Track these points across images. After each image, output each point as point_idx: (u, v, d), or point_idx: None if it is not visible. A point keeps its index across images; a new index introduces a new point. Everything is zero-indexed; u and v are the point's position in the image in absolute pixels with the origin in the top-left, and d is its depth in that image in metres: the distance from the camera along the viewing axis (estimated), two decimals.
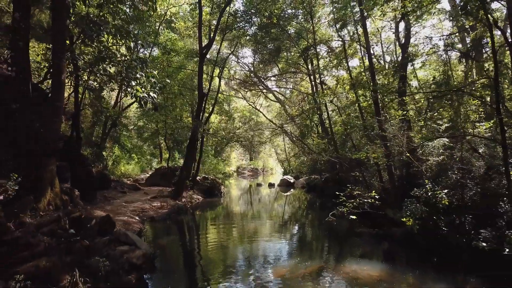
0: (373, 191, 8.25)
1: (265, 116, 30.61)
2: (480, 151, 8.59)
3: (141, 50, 15.59)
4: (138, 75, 8.10)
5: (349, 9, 13.02)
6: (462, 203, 7.87)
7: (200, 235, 9.91)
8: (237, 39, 19.13)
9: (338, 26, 14.97)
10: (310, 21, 16.12)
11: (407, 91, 13.08)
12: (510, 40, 7.08)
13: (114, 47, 8.41)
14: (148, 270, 6.01)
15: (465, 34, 14.65)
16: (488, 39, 9.79)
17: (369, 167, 11.93)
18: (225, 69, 20.01)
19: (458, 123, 8.57)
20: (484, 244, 6.09)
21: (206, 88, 18.41)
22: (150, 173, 21.04)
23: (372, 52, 18.56)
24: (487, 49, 10.98)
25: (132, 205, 12.09)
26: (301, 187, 22.73)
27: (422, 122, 8.56)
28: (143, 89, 8.13)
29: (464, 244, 6.98)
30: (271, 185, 24.69)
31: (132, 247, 6.02)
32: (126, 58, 8.31)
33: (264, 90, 27.83)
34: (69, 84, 10.44)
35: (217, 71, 18.53)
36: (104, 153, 17.01)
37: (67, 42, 6.82)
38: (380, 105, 10.69)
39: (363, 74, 13.96)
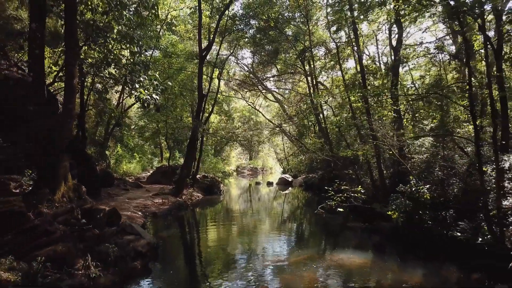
0: (359, 186, 8.79)
1: (264, 116, 31.15)
2: (469, 149, 9.14)
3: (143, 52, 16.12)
4: (141, 78, 8.63)
5: (343, 14, 13.54)
6: (445, 198, 8.42)
7: (200, 229, 10.46)
8: (236, 41, 19.66)
9: (333, 29, 15.49)
10: (307, 25, 16.63)
11: (399, 92, 13.69)
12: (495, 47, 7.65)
13: (118, 51, 8.94)
14: (152, 258, 6.56)
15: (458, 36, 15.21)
16: (475, 43, 10.37)
17: (362, 165, 12.49)
18: (224, 70, 20.54)
19: (447, 123, 9.11)
20: (459, 234, 6.65)
21: (206, 89, 18.94)
22: (151, 171, 21.59)
23: (368, 53, 19.11)
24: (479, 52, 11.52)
25: (134, 201, 12.62)
26: (299, 186, 23.25)
27: (405, 122, 9.10)
28: (146, 91, 8.67)
29: (445, 236, 7.52)
30: (269, 184, 25.24)
31: (137, 237, 6.58)
32: (130, 62, 8.83)
33: (263, 90, 28.37)
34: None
35: (216, 72, 19.06)
36: (107, 152, 17.56)
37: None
38: (374, 105, 11.27)
39: (358, 75, 14.52)
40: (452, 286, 5.40)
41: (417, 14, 10.23)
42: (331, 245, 8.30)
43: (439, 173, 8.78)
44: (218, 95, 20.21)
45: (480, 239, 6.52)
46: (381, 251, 7.69)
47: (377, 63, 18.70)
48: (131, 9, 9.09)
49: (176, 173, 17.28)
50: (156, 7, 8.71)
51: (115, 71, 8.51)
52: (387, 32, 15.89)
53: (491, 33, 11.78)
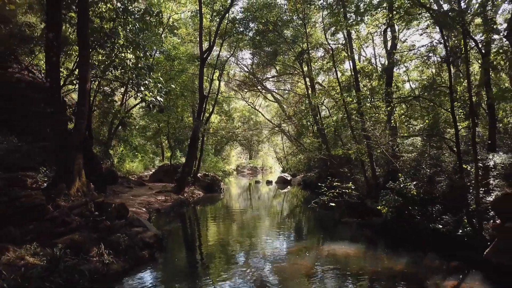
0: (350, 183, 9.33)
1: (263, 116, 31.68)
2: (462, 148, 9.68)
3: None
4: (146, 81, 9.18)
5: (339, 17, 14.06)
6: (432, 194, 8.96)
7: (202, 224, 11.02)
8: (235, 43, 20.19)
9: (329, 32, 16.01)
10: (304, 28, 17.15)
11: (394, 93, 14.23)
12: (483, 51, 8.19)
13: (125, 55, 9.49)
14: (158, 248, 7.11)
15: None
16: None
17: (357, 164, 13.02)
18: (224, 70, 21.07)
19: (438, 124, 9.62)
20: (440, 226, 7.20)
21: (207, 90, 19.47)
22: (153, 170, 22.16)
23: (365, 54, 19.58)
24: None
25: (138, 198, 13.17)
26: (298, 184, 23.78)
27: (393, 122, 9.64)
28: (151, 93, 9.22)
29: (430, 230, 8.07)
30: (269, 183, 25.80)
31: (144, 229, 7.13)
32: (135, 66, 9.38)
33: (263, 91, 28.90)
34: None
35: (217, 73, 19.59)
36: (110, 151, 18.10)
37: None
38: (368, 104, 11.82)
39: (352, 78, 15.04)
40: (431, 273, 5.93)
41: (407, 21, 10.80)
42: (325, 238, 8.85)
43: (428, 170, 9.32)
44: (219, 96, 20.74)
45: (460, 231, 7.06)
46: (371, 243, 8.22)
47: (374, 64, 19.25)
48: (136, 16, 9.64)
49: (178, 171, 17.83)
50: (160, 15, 9.25)
51: (122, 74, 9.05)
52: (383, 35, 16.50)
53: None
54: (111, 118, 17.57)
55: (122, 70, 8.88)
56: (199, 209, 13.94)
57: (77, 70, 10.56)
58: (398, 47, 16.82)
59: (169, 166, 19.70)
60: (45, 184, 7.18)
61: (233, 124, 31.84)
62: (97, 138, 16.89)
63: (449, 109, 7.06)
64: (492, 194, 7.93)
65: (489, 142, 10.68)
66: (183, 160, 23.12)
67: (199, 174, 18.90)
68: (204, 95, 15.73)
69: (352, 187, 9.34)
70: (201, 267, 6.69)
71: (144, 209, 11.53)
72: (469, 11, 8.20)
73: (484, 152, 10.01)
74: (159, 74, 11.46)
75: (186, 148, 25.71)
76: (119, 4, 8.81)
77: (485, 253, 5.92)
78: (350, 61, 11.91)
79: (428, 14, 10.11)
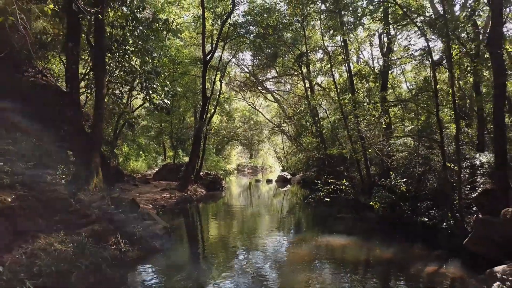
0: (344, 180, 9.96)
1: (264, 116, 32.28)
2: (450, 148, 10.30)
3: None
4: (154, 85, 9.82)
5: (336, 22, 14.66)
6: (422, 191, 9.60)
7: (206, 219, 11.67)
8: (237, 46, 20.80)
9: (327, 36, 16.63)
10: (303, 31, 17.75)
11: (389, 94, 14.87)
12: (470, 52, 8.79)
13: (134, 60, 10.12)
14: (167, 240, 7.74)
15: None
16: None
17: (353, 162, 13.66)
18: (226, 72, 21.68)
19: (430, 125, 10.24)
20: (426, 219, 7.84)
21: (209, 91, 20.08)
22: (156, 169, 22.79)
23: (363, 56, 20.24)
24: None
25: (145, 195, 13.81)
26: (297, 183, 24.40)
27: (383, 124, 10.28)
28: (158, 96, 9.86)
29: (418, 223, 8.71)
30: (269, 181, 26.42)
31: (154, 222, 7.78)
32: (144, 70, 10.02)
33: (263, 91, 29.50)
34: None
35: (218, 75, 20.21)
36: (116, 150, 18.74)
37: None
38: (365, 105, 12.44)
39: (347, 81, 15.64)
40: (415, 260, 6.57)
41: (400, 27, 11.45)
42: (321, 231, 9.49)
43: (419, 169, 9.95)
44: (220, 97, 21.35)
45: (444, 224, 7.70)
46: (364, 235, 8.84)
47: (372, 66, 19.86)
48: (145, 24, 10.26)
49: (181, 170, 18.46)
50: (167, 22, 9.87)
51: (131, 79, 9.68)
52: (379, 38, 17.11)
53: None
54: (117, 119, 18.20)
55: (132, 75, 9.51)
56: (202, 206, 14.59)
57: (88, 74, 11.23)
58: (395, 48, 17.48)
59: (172, 165, 20.35)
60: (63, 180, 7.82)
61: (234, 124, 32.45)
62: (103, 138, 17.53)
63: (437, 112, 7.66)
64: (477, 190, 8.58)
65: (477, 142, 11.34)
66: (186, 159, 23.79)
67: (201, 173, 19.53)
68: (206, 97, 16.36)
69: (346, 184, 9.97)
70: (207, 256, 7.34)
71: (150, 205, 12.16)
72: (454, 22, 8.78)
73: (473, 151, 10.67)
74: (163, 76, 12.05)
75: (188, 148, 26.41)
76: (128, 12, 9.42)
77: (464, 242, 6.55)
78: (346, 66, 12.51)
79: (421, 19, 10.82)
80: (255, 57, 24.61)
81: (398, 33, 17.32)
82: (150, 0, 16.68)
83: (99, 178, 7.53)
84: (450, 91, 7.63)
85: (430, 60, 7.88)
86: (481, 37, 9.55)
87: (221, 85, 20.40)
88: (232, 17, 17.71)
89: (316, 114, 16.74)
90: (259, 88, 28.69)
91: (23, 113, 9.34)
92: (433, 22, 8.75)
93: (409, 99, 9.27)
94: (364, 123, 10.89)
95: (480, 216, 7.36)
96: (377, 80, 14.92)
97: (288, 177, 26.30)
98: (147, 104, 14.58)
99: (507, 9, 14.88)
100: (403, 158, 10.30)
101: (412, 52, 12.51)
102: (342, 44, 13.43)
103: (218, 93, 20.34)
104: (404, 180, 8.95)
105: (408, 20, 8.56)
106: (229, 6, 17.18)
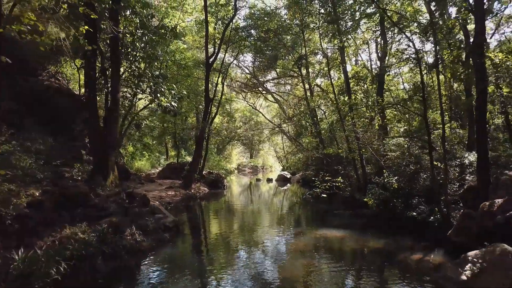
0: (340, 177, 10.60)
1: (264, 116, 32.92)
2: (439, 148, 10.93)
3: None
4: (162, 89, 10.46)
5: (334, 27, 15.30)
6: (413, 188, 10.23)
7: (209, 215, 12.32)
8: (238, 48, 21.45)
9: (325, 40, 17.27)
10: (302, 35, 18.37)
11: (385, 96, 15.51)
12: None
13: (143, 65, 10.76)
14: (176, 232, 8.40)
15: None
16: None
17: (351, 161, 14.29)
18: (227, 74, 22.30)
19: (423, 127, 10.86)
20: (415, 214, 8.48)
21: (211, 92, 20.72)
22: (159, 168, 23.44)
23: (361, 58, 20.87)
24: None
25: (151, 193, 14.43)
26: (297, 182, 25.04)
27: (377, 125, 10.93)
28: (166, 99, 10.50)
29: (409, 218, 9.33)
30: (269, 180, 27.06)
31: (165, 216, 8.43)
32: (152, 75, 10.66)
33: (264, 92, 30.14)
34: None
35: (220, 77, 20.84)
36: (121, 150, 19.38)
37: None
38: (362, 108, 13.07)
39: (351, 81, 16.25)
40: (404, 250, 7.20)
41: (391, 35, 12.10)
42: (318, 225, 10.14)
43: (411, 167, 10.58)
44: (222, 98, 21.99)
45: (432, 218, 8.33)
46: (358, 229, 9.47)
47: (370, 67, 20.49)
48: (152, 30, 10.90)
49: (184, 169, 19.10)
50: (174, 30, 10.52)
51: (141, 83, 10.33)
52: (375, 42, 17.78)
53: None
54: (122, 119, 18.84)
55: (141, 79, 10.15)
56: (206, 203, 15.24)
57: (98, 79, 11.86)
58: (393, 50, 18.11)
59: (176, 164, 21.00)
60: (79, 177, 8.47)
61: (235, 124, 33.10)
62: None
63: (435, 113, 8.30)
64: (465, 187, 9.22)
65: (467, 142, 11.99)
66: (188, 158, 24.44)
67: (204, 172, 20.18)
68: (209, 98, 17.00)
69: (341, 181, 10.60)
70: (212, 247, 7.98)
71: (157, 202, 12.79)
72: (444, 28, 9.41)
73: (463, 151, 11.31)
74: (170, 79, 12.67)
75: (190, 147, 27.09)
76: (137, 20, 10.07)
77: (448, 234, 7.18)
78: (343, 71, 13.15)
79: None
80: (256, 59, 25.27)
81: (393, 37, 18.01)
82: (154, 4, 17.31)
83: (114, 175, 8.18)
84: (438, 95, 8.25)
85: (419, 67, 8.51)
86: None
87: (223, 87, 21.03)
88: (234, 21, 18.34)
89: (315, 115, 17.36)
90: (260, 89, 29.33)
91: (39, 114, 10.00)
92: (424, 30, 9.41)
93: (399, 103, 9.90)
94: (360, 125, 11.51)
95: (465, 210, 8.00)
96: (374, 81, 15.57)
97: (288, 176, 26.93)
98: (152, 105, 15.26)
99: (500, 15, 15.67)
100: (396, 158, 10.93)
101: (407, 56, 13.16)
102: (340, 48, 14.04)
103: (220, 95, 20.97)
104: (396, 178, 9.58)
105: (398, 30, 9.13)
106: (231, 11, 17.82)
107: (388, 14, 13.75)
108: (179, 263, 6.59)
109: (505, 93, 8.46)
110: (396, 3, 14.78)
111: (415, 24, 11.76)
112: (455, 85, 14.52)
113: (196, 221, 11.16)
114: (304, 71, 21.45)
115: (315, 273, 6.05)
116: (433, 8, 10.47)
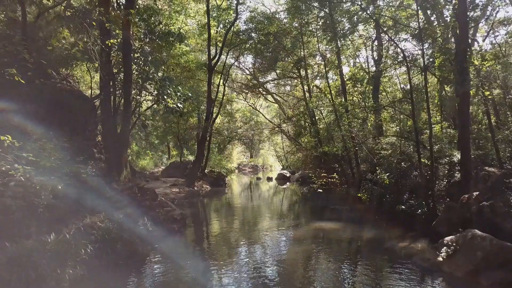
0: (335, 174, 11.30)
1: (264, 116, 33.58)
2: (437, 147, 11.61)
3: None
4: (169, 91, 11.15)
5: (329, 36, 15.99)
6: (403, 184, 10.92)
7: (212, 210, 13.02)
8: (239, 51, 22.14)
9: (323, 42, 17.97)
10: (301, 39, 19.06)
11: (381, 97, 16.22)
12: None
13: (151, 70, 11.45)
14: (183, 224, 9.09)
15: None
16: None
17: (348, 160, 14.99)
18: (229, 75, 22.99)
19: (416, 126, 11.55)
20: (403, 207, 9.17)
21: (213, 93, 21.40)
22: (161, 167, 24.16)
23: (358, 60, 21.59)
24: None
25: (156, 190, 15.08)
26: (296, 181, 25.73)
27: (369, 125, 11.62)
28: (172, 101, 11.19)
29: (399, 211, 10.02)
30: (269, 179, 27.74)
31: (172, 209, 9.12)
32: (160, 78, 11.34)
33: (264, 92, 30.80)
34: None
35: (222, 78, 21.52)
36: None
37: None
38: (357, 110, 13.78)
39: (348, 82, 16.92)
40: (392, 239, 7.89)
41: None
42: (314, 218, 10.84)
43: (403, 165, 11.27)
44: (223, 98, 22.67)
45: (419, 211, 9.02)
46: (352, 222, 10.16)
47: (367, 67, 21.13)
48: (158, 36, 11.58)
49: (187, 168, 19.81)
50: (181, 36, 11.21)
51: (150, 85, 11.02)
52: (371, 45, 18.46)
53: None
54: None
55: (150, 82, 10.85)
56: (209, 199, 15.95)
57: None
58: (390, 52, 18.77)
59: (179, 163, 21.72)
60: (93, 173, 9.16)
61: (236, 124, 33.77)
62: None
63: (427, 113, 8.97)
64: (450, 183, 9.92)
65: (458, 141, 12.67)
66: (190, 157, 25.15)
67: (206, 170, 20.88)
68: (212, 99, 17.69)
69: (336, 177, 11.30)
70: (216, 236, 8.68)
71: (163, 199, 13.49)
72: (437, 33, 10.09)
73: (453, 150, 11.99)
74: (174, 79, 13.36)
75: (192, 147, 27.76)
76: (147, 28, 10.76)
77: (432, 224, 7.87)
78: (339, 73, 13.82)
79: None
80: (256, 61, 25.95)
81: (389, 41, 18.69)
82: (159, 9, 18.00)
83: (127, 171, 8.88)
84: (425, 97, 8.94)
85: (407, 72, 9.19)
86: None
87: (224, 88, 21.70)
88: (235, 25, 19.02)
89: (313, 115, 18.05)
90: (260, 89, 29.97)
91: (56, 116, 10.69)
92: (415, 36, 10.11)
93: (389, 104, 10.59)
94: (354, 124, 12.20)
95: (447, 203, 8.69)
96: (370, 83, 16.25)
97: (288, 175, 27.60)
98: (156, 106, 15.94)
99: (491, 19, 16.34)
100: (388, 156, 11.62)
101: (397, 61, 13.86)
102: (336, 52, 14.73)
103: (222, 96, 21.65)
104: (387, 174, 10.26)
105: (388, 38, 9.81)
106: (232, 14, 18.51)
107: (383, 18, 14.50)
108: (186, 250, 7.30)
109: (488, 96, 9.14)
110: (391, 9, 15.48)
111: (408, 29, 12.50)
112: (447, 88, 15.20)
113: (200, 215, 11.87)
114: (303, 73, 22.14)
115: (311, 258, 6.75)
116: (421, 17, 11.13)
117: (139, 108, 21.65)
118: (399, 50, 10.18)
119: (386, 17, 15.21)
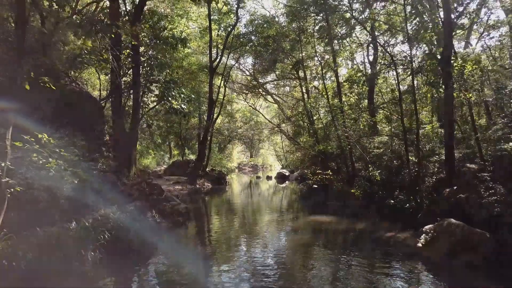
0: (329, 170, 11.97)
1: (264, 116, 34.25)
2: (429, 146, 12.27)
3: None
4: (173, 93, 11.81)
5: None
6: (395, 181, 11.59)
7: (214, 206, 13.69)
8: (239, 53, 22.81)
9: (320, 45, 18.63)
10: (299, 42, 19.72)
11: (376, 98, 16.90)
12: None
13: (156, 72, 12.11)
14: (187, 217, 9.76)
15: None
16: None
17: (344, 159, 15.66)
18: (229, 77, 23.65)
19: (410, 126, 12.23)
20: (392, 201, 9.84)
21: (214, 94, 22.05)
22: (163, 166, 24.83)
23: (356, 61, 22.24)
24: None
25: None
26: (295, 179, 26.41)
27: (361, 125, 12.30)
28: (177, 102, 11.86)
29: (390, 206, 10.68)
30: (268, 178, 28.41)
31: (178, 203, 9.78)
32: (165, 80, 12.00)
33: (264, 93, 31.46)
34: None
35: (223, 80, 22.19)
36: None
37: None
38: (350, 111, 14.46)
39: (345, 83, 17.57)
40: (381, 230, 8.55)
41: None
42: (309, 213, 11.51)
43: (395, 162, 11.95)
44: (224, 99, 23.34)
45: (408, 205, 9.70)
46: (345, 215, 10.82)
47: (364, 69, 21.80)
48: (163, 41, 12.22)
49: (189, 166, 20.48)
50: (185, 41, 11.87)
51: (155, 88, 11.69)
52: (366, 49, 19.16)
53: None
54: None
55: (156, 85, 11.52)
56: (211, 196, 16.63)
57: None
58: (381, 54, 19.43)
59: (181, 162, 22.39)
60: (105, 170, 9.82)
61: (236, 124, 34.45)
62: None
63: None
64: (436, 179, 10.57)
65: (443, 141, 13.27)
66: (191, 157, 25.83)
67: (207, 169, 21.56)
68: (213, 100, 18.35)
69: (330, 173, 11.98)
70: (219, 229, 9.35)
71: (169, 193, 14.18)
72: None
73: (443, 148, 12.63)
74: (177, 81, 14.05)
75: (193, 146, 28.41)
76: (153, 33, 11.42)
77: (418, 217, 8.54)
78: (335, 76, 14.48)
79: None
80: (256, 62, 26.63)
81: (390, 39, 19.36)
82: (161, 12, 18.66)
83: (136, 168, 9.54)
84: (413, 99, 9.61)
85: (396, 76, 9.87)
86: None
87: (225, 89, 22.36)
88: (235, 28, 19.68)
89: (311, 115, 18.72)
90: (260, 90, 30.63)
91: (68, 116, 11.35)
92: (406, 41, 10.77)
93: (379, 106, 11.26)
94: (348, 124, 12.88)
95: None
96: (366, 84, 16.91)
97: (287, 174, 28.28)
98: (157, 106, 16.61)
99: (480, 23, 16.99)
100: (381, 154, 12.29)
101: (395, 60, 14.52)
102: (332, 56, 15.39)
103: (222, 96, 22.31)
104: (379, 171, 10.93)
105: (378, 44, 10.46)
106: (233, 18, 19.17)
107: (378, 23, 15.15)
108: (192, 240, 7.97)
109: (470, 98, 9.80)
110: (385, 15, 16.17)
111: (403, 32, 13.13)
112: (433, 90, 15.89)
113: (203, 210, 12.55)
114: (301, 74, 22.80)
115: (305, 245, 7.43)
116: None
117: (143, 109, 22.41)
118: (382, 57, 10.78)
119: (380, 22, 15.91)
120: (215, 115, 22.54)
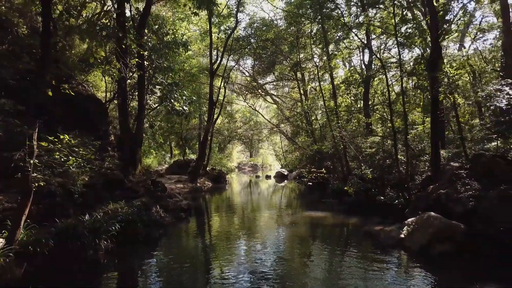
0: (323, 169, 12.57)
1: (263, 116, 34.85)
2: (423, 145, 12.85)
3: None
4: (175, 95, 12.41)
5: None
6: (387, 179, 12.18)
7: (215, 203, 14.28)
8: (239, 55, 23.41)
9: (317, 47, 19.22)
10: (297, 45, 20.31)
11: (371, 98, 17.51)
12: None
13: (159, 75, 12.70)
14: (189, 213, 10.37)
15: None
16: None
17: (339, 158, 16.26)
18: (230, 78, 24.24)
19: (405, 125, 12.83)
20: (382, 198, 10.43)
21: (215, 95, 22.64)
22: (165, 166, 25.44)
23: (352, 63, 22.81)
24: None
25: None
26: (294, 179, 26.97)
27: (354, 125, 12.91)
28: (178, 103, 12.46)
29: (381, 202, 11.27)
30: (267, 177, 29.00)
31: (180, 199, 10.40)
32: (167, 83, 12.60)
33: (263, 93, 32.07)
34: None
35: (223, 81, 22.79)
36: None
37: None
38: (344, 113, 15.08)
39: (341, 85, 18.18)
40: (371, 224, 9.14)
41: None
42: (305, 209, 12.13)
43: (387, 161, 12.54)
44: (224, 100, 23.93)
45: (397, 201, 10.29)
46: (338, 211, 11.40)
47: (361, 70, 22.38)
48: (165, 45, 12.82)
49: (190, 165, 21.08)
50: (186, 45, 12.48)
51: (158, 90, 12.30)
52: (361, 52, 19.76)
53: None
54: (134, 119, 20.83)
55: (159, 88, 12.13)
56: (211, 194, 17.24)
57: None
58: (384, 54, 20.03)
59: (182, 161, 22.99)
60: (112, 168, 10.42)
61: (235, 124, 35.05)
62: None
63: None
64: (424, 177, 11.16)
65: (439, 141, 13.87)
66: (192, 156, 26.43)
67: (207, 168, 22.16)
68: (213, 102, 18.95)
69: (324, 172, 12.59)
70: (219, 223, 9.95)
71: (171, 191, 14.77)
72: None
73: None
74: (179, 84, 14.70)
75: (193, 146, 29.02)
76: (155, 37, 12.01)
77: (405, 212, 9.13)
78: (330, 78, 15.07)
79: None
80: (255, 64, 27.24)
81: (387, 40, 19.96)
82: (162, 15, 19.25)
83: (141, 166, 10.15)
84: (402, 102, 10.20)
85: (385, 79, 10.47)
86: None
87: (225, 90, 22.96)
88: (235, 31, 20.27)
89: (309, 116, 19.32)
90: (259, 90, 31.23)
91: (75, 118, 11.96)
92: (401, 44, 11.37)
93: (372, 108, 11.85)
94: (342, 125, 13.48)
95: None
96: (362, 86, 17.52)
97: (286, 173, 28.86)
98: (159, 107, 17.20)
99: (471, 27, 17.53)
100: (374, 153, 12.89)
101: (385, 65, 15.13)
102: (328, 58, 15.98)
103: (222, 97, 22.90)
104: (371, 170, 11.52)
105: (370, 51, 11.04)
106: (233, 22, 19.76)
107: (372, 26, 15.71)
108: (194, 234, 8.57)
109: (459, 101, 10.40)
110: (379, 19, 16.73)
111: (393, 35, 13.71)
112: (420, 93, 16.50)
113: (204, 207, 13.16)
114: (299, 76, 23.42)
115: (301, 237, 8.03)
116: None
117: (146, 110, 23.01)
118: (385, 55, 11.36)
119: (375, 26, 16.49)
120: (215, 116, 23.17)
